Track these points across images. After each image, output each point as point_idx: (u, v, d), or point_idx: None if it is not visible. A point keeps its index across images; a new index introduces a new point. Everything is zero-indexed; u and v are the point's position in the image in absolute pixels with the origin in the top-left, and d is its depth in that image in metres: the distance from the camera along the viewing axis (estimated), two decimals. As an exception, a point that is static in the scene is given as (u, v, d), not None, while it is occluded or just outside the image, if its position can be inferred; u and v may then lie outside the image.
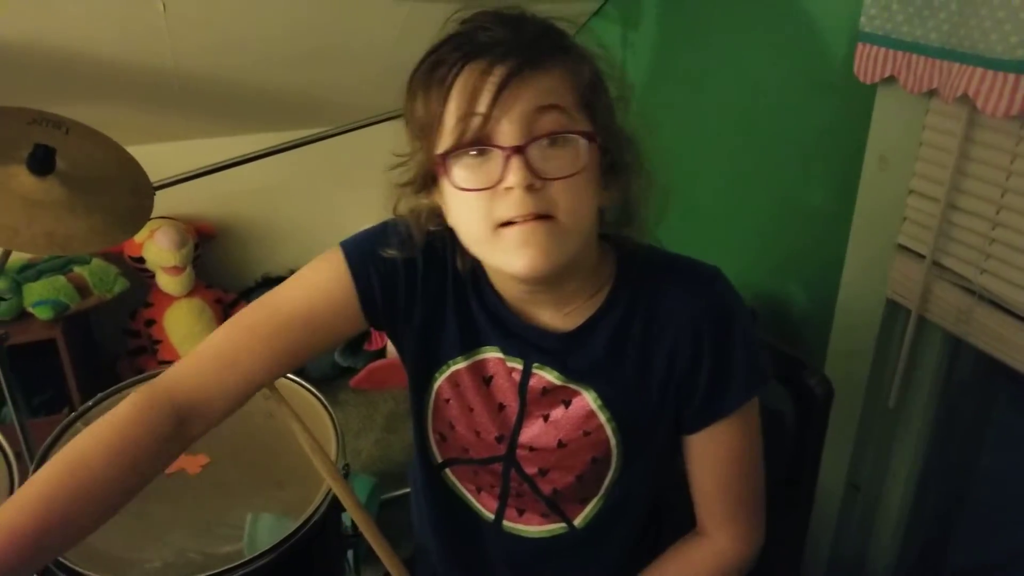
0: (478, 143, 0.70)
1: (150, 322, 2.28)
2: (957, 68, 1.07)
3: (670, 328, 0.80)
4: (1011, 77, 0.99)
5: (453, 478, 0.93)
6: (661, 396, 0.82)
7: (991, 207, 1.13)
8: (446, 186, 0.74)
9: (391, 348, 2.51)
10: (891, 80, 1.20)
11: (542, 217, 0.70)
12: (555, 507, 0.89)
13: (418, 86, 0.73)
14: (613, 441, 0.83)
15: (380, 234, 0.84)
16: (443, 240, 0.82)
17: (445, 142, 0.71)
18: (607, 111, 0.76)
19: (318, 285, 0.84)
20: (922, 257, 1.24)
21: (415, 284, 0.84)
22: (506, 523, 0.92)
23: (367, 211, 1.00)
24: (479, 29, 0.72)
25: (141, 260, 2.23)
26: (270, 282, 2.48)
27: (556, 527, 0.91)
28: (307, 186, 2.41)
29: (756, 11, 1.55)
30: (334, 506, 1.16)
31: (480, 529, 0.94)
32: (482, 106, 0.69)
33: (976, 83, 1.04)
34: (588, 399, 0.82)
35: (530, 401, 0.84)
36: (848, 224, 1.37)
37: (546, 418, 0.84)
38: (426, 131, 0.73)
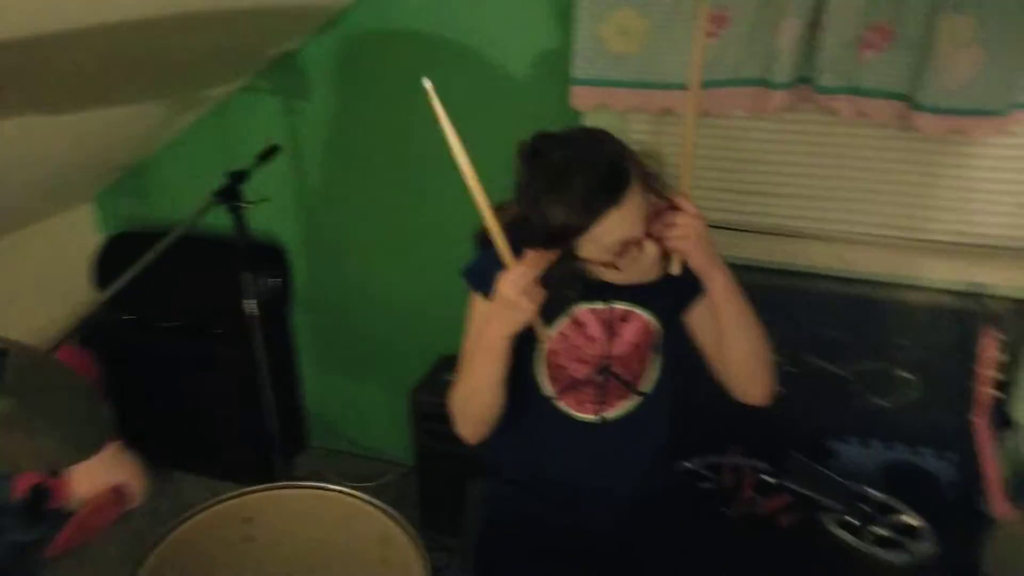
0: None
1: None
2: (656, 93, 1.69)
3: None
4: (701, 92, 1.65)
5: (562, 404, 1.37)
6: (672, 300, 1.36)
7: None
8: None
9: (78, 493, 2.14)
10: (602, 106, 1.75)
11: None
12: (632, 386, 1.37)
13: (572, 211, 1.11)
14: (658, 328, 1.36)
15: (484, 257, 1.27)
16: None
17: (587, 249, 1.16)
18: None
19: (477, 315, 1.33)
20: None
21: None
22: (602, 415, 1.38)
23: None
24: (585, 179, 1.10)
25: None
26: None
27: (633, 403, 1.38)
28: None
29: (461, 64, 1.89)
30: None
31: (578, 434, 1.37)
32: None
33: (672, 100, 1.68)
34: (642, 313, 1.33)
35: (611, 325, 1.32)
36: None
37: (621, 334, 1.34)
38: (565, 236, 1.14)
